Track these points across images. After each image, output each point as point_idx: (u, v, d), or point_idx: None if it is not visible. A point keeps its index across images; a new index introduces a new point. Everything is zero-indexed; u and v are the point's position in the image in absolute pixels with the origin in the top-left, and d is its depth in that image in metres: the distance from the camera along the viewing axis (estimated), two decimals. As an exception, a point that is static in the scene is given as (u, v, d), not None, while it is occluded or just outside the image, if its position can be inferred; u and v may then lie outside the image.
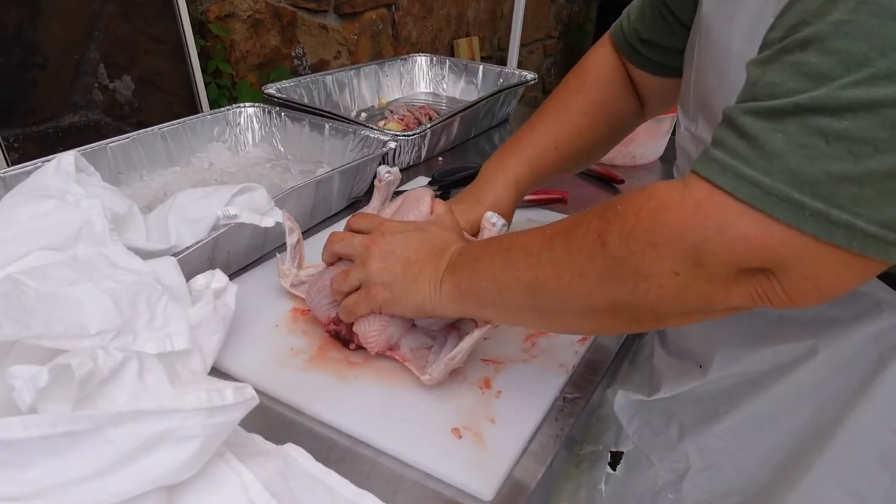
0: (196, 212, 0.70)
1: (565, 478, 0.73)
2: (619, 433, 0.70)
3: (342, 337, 0.64)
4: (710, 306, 0.40)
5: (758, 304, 0.39)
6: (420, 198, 0.69)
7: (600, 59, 0.77)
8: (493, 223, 0.66)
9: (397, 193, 0.81)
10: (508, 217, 0.72)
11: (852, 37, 0.32)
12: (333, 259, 0.65)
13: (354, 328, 0.61)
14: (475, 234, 0.70)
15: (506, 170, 0.73)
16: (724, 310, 0.41)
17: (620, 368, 0.76)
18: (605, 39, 0.78)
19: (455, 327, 0.62)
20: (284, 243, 0.74)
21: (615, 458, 0.70)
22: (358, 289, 0.59)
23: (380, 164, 0.89)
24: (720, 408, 0.60)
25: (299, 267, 0.73)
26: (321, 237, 0.79)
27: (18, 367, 0.41)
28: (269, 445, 0.52)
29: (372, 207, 0.75)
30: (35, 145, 1.06)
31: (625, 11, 0.76)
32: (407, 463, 0.53)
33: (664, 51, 0.69)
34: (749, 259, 0.36)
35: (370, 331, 0.60)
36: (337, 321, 0.63)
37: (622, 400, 0.70)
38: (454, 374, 0.61)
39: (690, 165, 0.52)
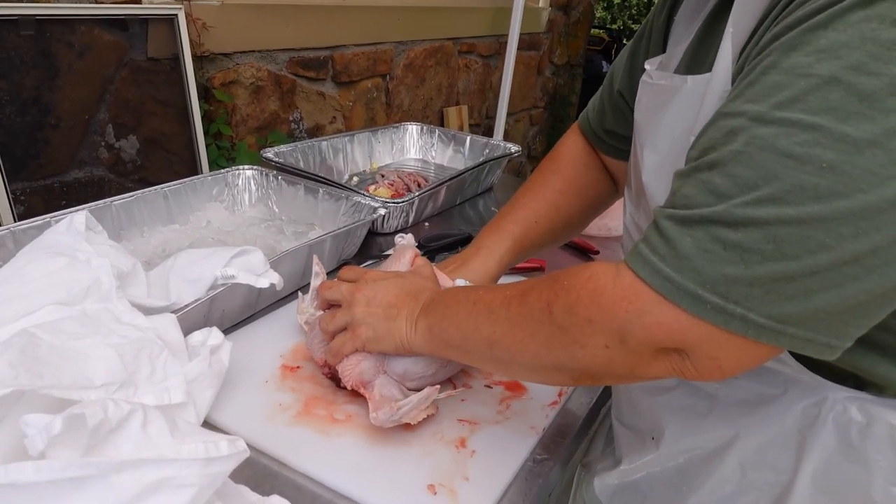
0: (196, 272, 0.75)
1: None
2: None
3: (335, 377, 0.70)
4: (634, 374, 0.47)
5: (675, 377, 0.46)
6: (403, 251, 0.78)
7: (572, 144, 0.86)
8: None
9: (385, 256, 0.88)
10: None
11: (745, 165, 0.39)
12: (325, 305, 0.73)
13: (338, 368, 0.67)
14: None
15: (488, 247, 0.80)
16: (648, 378, 0.48)
17: (592, 444, 0.81)
18: (576, 127, 0.87)
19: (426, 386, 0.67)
20: (276, 301, 0.78)
21: None
22: (344, 329, 0.67)
23: (372, 231, 0.95)
24: (682, 486, 0.64)
25: (317, 308, 0.79)
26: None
27: (32, 416, 0.45)
28: (255, 497, 0.56)
29: (385, 267, 0.82)
30: (40, 199, 1.11)
31: (590, 102, 0.84)
32: (385, 517, 0.56)
33: (626, 139, 0.77)
34: (663, 341, 0.43)
35: (347, 364, 0.66)
36: (329, 368, 0.70)
37: (600, 484, 0.74)
38: (431, 433, 0.65)
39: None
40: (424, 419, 0.64)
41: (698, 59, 0.60)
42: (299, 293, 0.81)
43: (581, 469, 0.81)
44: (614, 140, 0.79)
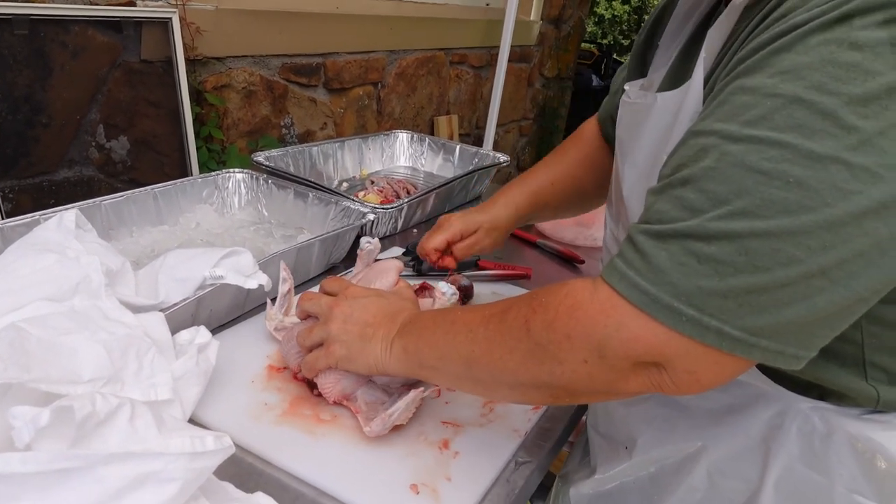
0: (185, 271, 0.76)
1: None
2: None
3: (310, 382, 0.70)
4: (613, 390, 0.47)
5: (653, 391, 0.46)
6: (388, 270, 0.78)
7: (592, 127, 0.93)
8: (443, 292, 0.74)
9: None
10: (501, 234, 0.90)
11: (717, 180, 0.41)
12: (304, 315, 0.73)
13: (318, 382, 0.68)
14: (465, 238, 0.86)
15: (507, 196, 0.90)
16: (627, 394, 0.48)
17: (570, 455, 0.83)
18: (595, 117, 0.95)
19: (413, 387, 0.68)
20: (265, 302, 0.79)
21: None
22: (320, 345, 0.66)
23: (361, 236, 0.97)
24: (653, 496, 0.66)
25: (285, 314, 0.80)
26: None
27: (19, 408, 0.46)
28: (240, 493, 0.56)
29: (356, 271, 0.85)
30: (29, 197, 1.11)
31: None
32: (367, 515, 0.57)
33: None
34: (641, 354, 0.44)
35: (326, 382, 0.67)
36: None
37: (575, 495, 0.77)
38: (415, 435, 0.66)
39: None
40: (409, 420, 0.65)
41: (676, 80, 0.63)
42: (268, 301, 0.81)
43: (559, 480, 0.83)
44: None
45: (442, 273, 1.05)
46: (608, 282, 0.45)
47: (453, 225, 0.88)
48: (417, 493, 0.59)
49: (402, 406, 0.63)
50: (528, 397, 0.57)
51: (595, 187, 0.92)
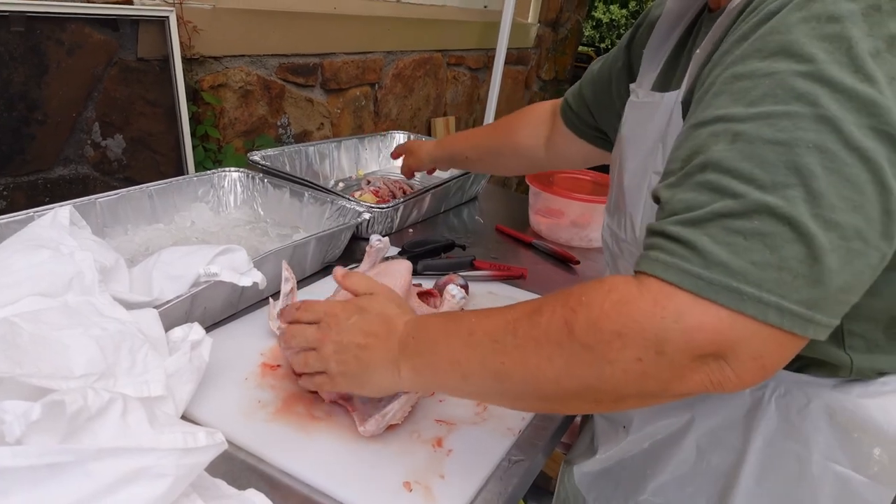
0: (179, 268, 0.75)
1: None
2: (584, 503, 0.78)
3: None
4: (666, 391, 0.44)
5: (710, 391, 0.43)
6: (398, 271, 0.78)
7: (538, 106, 1.12)
8: (453, 295, 0.73)
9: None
10: (417, 161, 1.31)
11: (738, 159, 0.41)
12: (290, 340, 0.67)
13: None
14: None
15: (436, 148, 1.27)
16: (680, 395, 0.45)
17: (576, 443, 0.84)
18: (552, 102, 1.11)
19: None
20: (259, 301, 0.79)
21: None
22: (322, 373, 0.62)
23: (357, 235, 0.97)
24: (647, 469, 0.69)
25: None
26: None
27: (10, 403, 0.46)
28: (232, 490, 0.56)
29: (362, 269, 0.86)
30: (23, 195, 1.11)
31: (573, 86, 1.05)
32: (360, 512, 0.57)
33: (585, 122, 1.01)
34: (704, 344, 0.41)
35: None
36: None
37: (578, 472, 0.79)
38: (409, 433, 0.66)
39: (612, 259, 0.63)
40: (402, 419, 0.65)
41: (667, 80, 0.68)
42: (270, 299, 0.81)
43: (564, 464, 0.84)
44: (576, 118, 1.02)
45: (438, 273, 1.05)
46: (654, 274, 0.43)
47: (403, 158, 1.34)
48: (410, 490, 0.59)
49: (397, 406, 0.63)
50: (569, 406, 0.54)
51: (508, 149, 1.15)
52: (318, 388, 0.64)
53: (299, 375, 0.69)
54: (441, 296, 0.79)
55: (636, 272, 0.45)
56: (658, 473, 0.67)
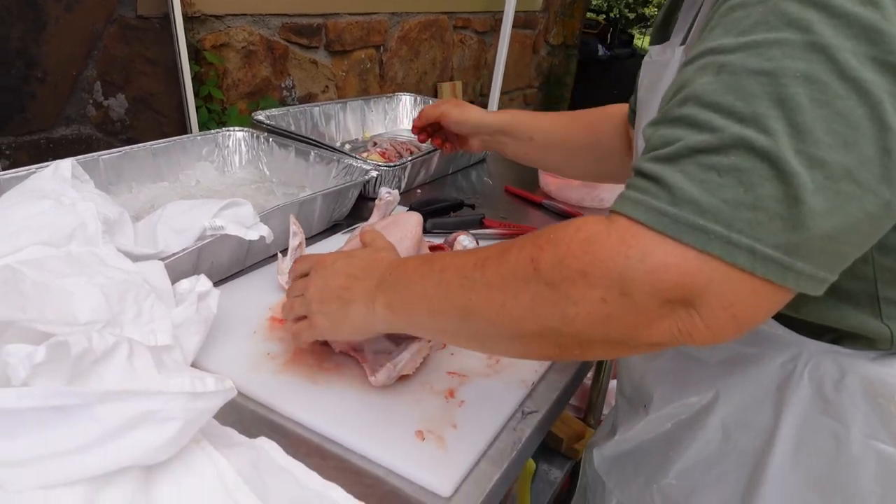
0: (184, 222, 0.74)
1: None
2: (604, 489, 0.76)
3: None
4: (632, 338, 0.42)
5: (679, 341, 0.41)
6: (407, 222, 0.76)
7: (611, 108, 0.95)
8: (464, 246, 0.72)
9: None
10: (447, 124, 1.03)
11: (720, 92, 0.38)
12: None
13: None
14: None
15: (487, 115, 1.01)
16: (648, 344, 0.43)
17: (599, 428, 0.84)
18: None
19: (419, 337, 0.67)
20: (267, 257, 0.78)
21: None
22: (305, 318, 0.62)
23: (364, 195, 0.95)
24: (669, 452, 0.65)
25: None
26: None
27: (14, 345, 0.45)
28: (243, 438, 0.55)
29: (370, 222, 0.84)
30: (26, 154, 1.09)
31: None
32: (372, 460, 0.56)
33: None
34: (670, 287, 0.38)
35: None
36: None
37: (598, 456, 0.77)
38: (421, 384, 0.65)
39: None
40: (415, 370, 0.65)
41: (679, 35, 0.64)
42: (279, 254, 0.80)
43: (586, 450, 0.83)
44: None
45: (447, 231, 1.03)
46: (622, 212, 0.40)
47: (440, 107, 1.02)
48: (423, 439, 0.58)
49: (408, 356, 0.62)
50: (531, 350, 0.51)
51: (583, 149, 0.95)
52: (296, 336, 0.63)
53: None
54: (452, 249, 0.78)
55: (609, 212, 0.43)
56: (681, 456, 0.63)
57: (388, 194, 0.83)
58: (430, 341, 0.63)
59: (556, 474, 1.48)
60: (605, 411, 1.63)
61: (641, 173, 0.41)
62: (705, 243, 0.37)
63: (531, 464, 1.40)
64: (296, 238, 0.79)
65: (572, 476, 1.54)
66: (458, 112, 1.01)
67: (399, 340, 0.67)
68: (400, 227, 0.76)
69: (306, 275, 0.64)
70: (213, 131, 1.14)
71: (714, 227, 0.37)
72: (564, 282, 0.42)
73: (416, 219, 0.79)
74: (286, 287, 0.77)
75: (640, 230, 0.39)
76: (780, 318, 0.55)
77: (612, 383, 1.65)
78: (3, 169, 1.08)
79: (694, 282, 0.38)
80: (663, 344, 0.42)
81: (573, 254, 0.42)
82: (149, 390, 0.45)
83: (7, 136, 1.06)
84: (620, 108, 0.94)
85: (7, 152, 1.07)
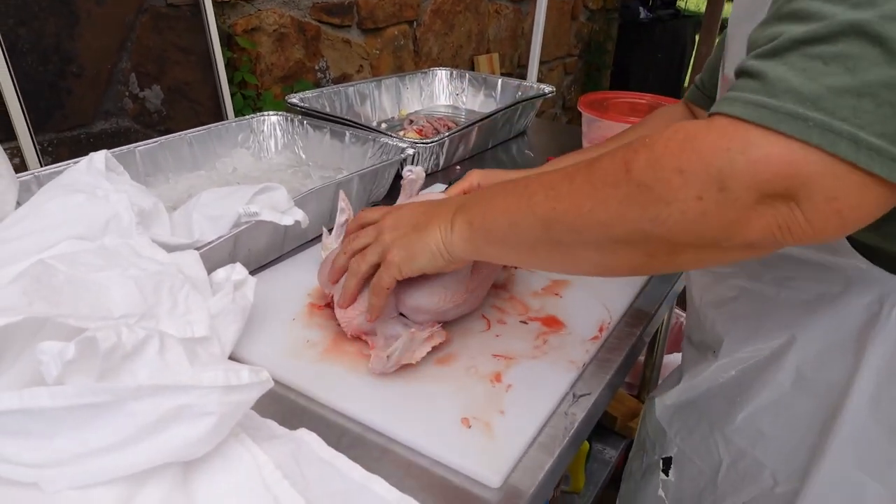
0: (218, 209, 0.73)
1: (629, 493, 0.76)
2: (665, 438, 0.73)
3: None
4: (727, 238, 0.40)
5: (777, 239, 0.39)
6: (444, 191, 0.73)
7: (663, 110, 0.83)
8: (409, 171, 0.70)
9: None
10: None
11: None
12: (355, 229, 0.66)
13: (336, 314, 0.64)
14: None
15: (543, 167, 0.83)
16: (743, 245, 0.40)
17: (665, 380, 0.79)
18: (673, 105, 0.86)
19: (432, 324, 0.64)
20: (304, 242, 0.76)
21: (666, 464, 0.72)
22: (376, 265, 0.60)
23: (404, 168, 0.92)
24: (736, 398, 0.62)
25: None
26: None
27: (46, 343, 0.44)
28: (283, 430, 0.54)
29: (399, 204, 0.79)
30: (67, 150, 1.10)
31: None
32: (416, 450, 0.54)
33: None
34: (772, 179, 0.36)
35: (345, 315, 0.63)
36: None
37: (660, 406, 0.74)
38: (465, 369, 0.62)
39: None
40: (456, 353, 0.62)
41: None
42: (324, 228, 0.78)
43: (647, 401, 0.79)
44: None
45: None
46: (722, 111, 0.39)
47: (473, 176, 0.79)
48: (469, 426, 0.55)
49: (400, 346, 0.58)
50: (617, 259, 0.48)
51: None
52: (379, 288, 0.59)
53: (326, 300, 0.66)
54: None
55: (708, 115, 0.41)
56: (749, 401, 0.60)
57: (409, 172, 0.80)
58: (426, 334, 0.60)
59: (611, 453, 1.45)
60: (661, 387, 1.57)
61: (743, 72, 0.39)
62: (805, 132, 0.35)
63: (585, 444, 1.36)
64: (343, 214, 0.77)
65: (626, 455, 1.50)
66: (491, 179, 0.81)
67: (411, 324, 0.65)
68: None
69: (372, 225, 0.62)
70: (247, 117, 1.13)
71: (814, 115, 0.35)
72: (658, 182, 0.40)
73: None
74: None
75: (740, 125, 0.37)
76: (868, 252, 0.50)
77: (667, 358, 1.59)
78: (47, 165, 1.10)
79: (796, 173, 0.36)
80: (759, 244, 0.40)
81: (670, 152, 0.40)
82: (183, 384, 0.44)
83: (48, 134, 1.07)
84: (668, 109, 0.86)
85: (49, 149, 1.08)
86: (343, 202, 0.77)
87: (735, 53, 0.58)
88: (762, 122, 0.36)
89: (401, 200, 0.80)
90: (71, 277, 0.52)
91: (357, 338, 0.64)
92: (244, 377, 0.47)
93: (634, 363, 0.73)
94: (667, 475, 0.72)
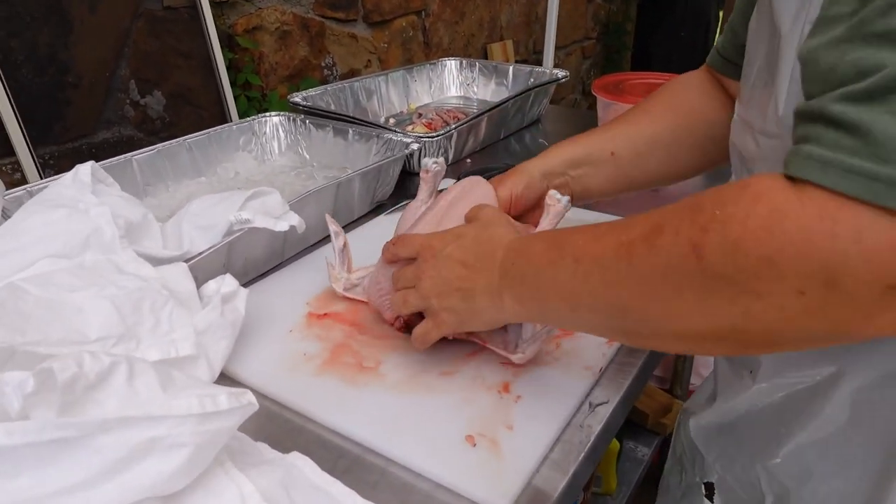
0: (208, 218, 0.69)
1: None
2: (703, 461, 0.66)
3: (408, 326, 0.61)
4: (844, 333, 0.33)
5: None
6: (473, 190, 0.66)
7: (682, 77, 0.74)
8: (557, 199, 0.63)
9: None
10: (519, 203, 0.68)
11: None
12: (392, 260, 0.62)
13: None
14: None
15: (545, 158, 0.70)
16: (863, 337, 0.34)
17: (697, 392, 0.73)
18: (692, 73, 0.75)
19: None
20: (305, 248, 0.71)
21: (709, 490, 0.66)
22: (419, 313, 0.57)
23: (407, 169, 0.86)
24: (780, 428, 0.54)
25: (349, 270, 0.71)
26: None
27: (7, 374, 0.40)
28: (275, 454, 0.50)
29: (419, 200, 0.71)
30: (69, 162, 1.09)
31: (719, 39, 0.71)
32: (417, 472, 0.50)
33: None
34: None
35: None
36: (402, 318, 0.62)
37: (695, 426, 0.67)
38: (471, 378, 0.58)
39: (742, 164, 0.47)
40: (464, 362, 0.57)
41: None
42: (326, 261, 0.72)
43: (681, 414, 0.73)
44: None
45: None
46: (809, 179, 0.31)
47: (511, 185, 0.69)
48: (474, 444, 0.51)
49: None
50: (706, 349, 0.43)
51: (678, 142, 0.71)
52: (423, 339, 0.56)
53: (396, 325, 0.63)
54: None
55: (787, 173, 0.33)
56: (794, 434, 0.52)
57: (434, 164, 0.71)
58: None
59: (644, 451, 1.39)
60: (694, 381, 1.51)
61: (826, 119, 0.31)
62: None
63: (615, 443, 1.31)
64: (339, 239, 0.70)
65: (661, 451, 1.43)
66: (521, 185, 0.69)
67: None
68: (471, 203, 0.65)
69: (412, 260, 0.57)
70: (248, 119, 1.09)
71: None
72: (742, 273, 0.33)
73: (482, 190, 0.68)
74: (347, 294, 0.70)
75: (844, 202, 0.30)
76: None
77: (698, 349, 1.52)
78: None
79: None
80: (886, 335, 0.33)
81: (752, 235, 0.33)
82: (151, 415, 0.40)
83: (49, 146, 1.06)
84: (687, 76, 0.75)
85: (51, 162, 1.07)
86: (333, 225, 0.71)
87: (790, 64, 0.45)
88: (875, 201, 0.29)
89: (420, 196, 0.72)
90: (41, 300, 0.49)
91: (458, 338, 0.60)
92: (222, 402, 0.43)
93: (657, 366, 0.68)
94: (711, 502, 0.65)
